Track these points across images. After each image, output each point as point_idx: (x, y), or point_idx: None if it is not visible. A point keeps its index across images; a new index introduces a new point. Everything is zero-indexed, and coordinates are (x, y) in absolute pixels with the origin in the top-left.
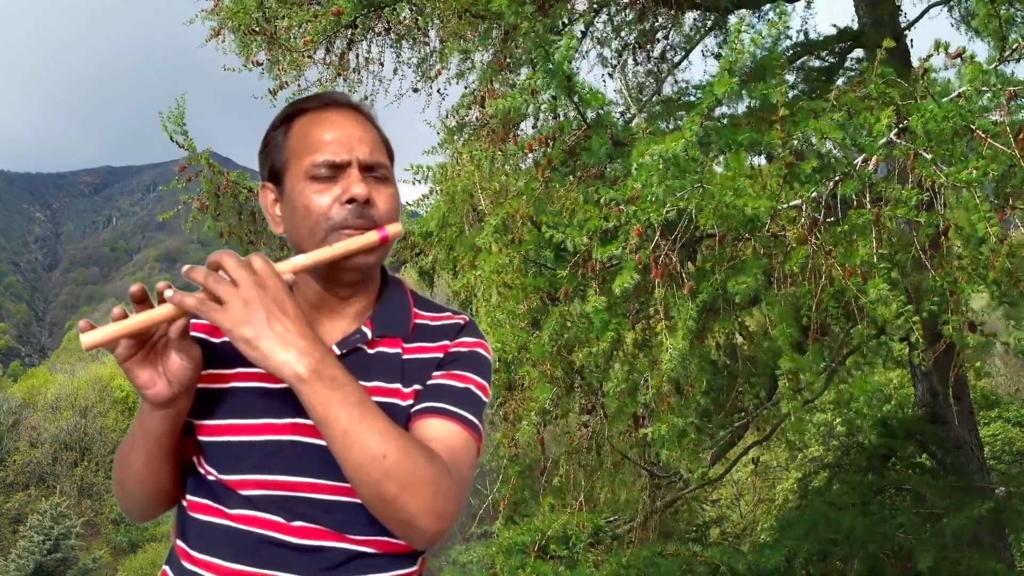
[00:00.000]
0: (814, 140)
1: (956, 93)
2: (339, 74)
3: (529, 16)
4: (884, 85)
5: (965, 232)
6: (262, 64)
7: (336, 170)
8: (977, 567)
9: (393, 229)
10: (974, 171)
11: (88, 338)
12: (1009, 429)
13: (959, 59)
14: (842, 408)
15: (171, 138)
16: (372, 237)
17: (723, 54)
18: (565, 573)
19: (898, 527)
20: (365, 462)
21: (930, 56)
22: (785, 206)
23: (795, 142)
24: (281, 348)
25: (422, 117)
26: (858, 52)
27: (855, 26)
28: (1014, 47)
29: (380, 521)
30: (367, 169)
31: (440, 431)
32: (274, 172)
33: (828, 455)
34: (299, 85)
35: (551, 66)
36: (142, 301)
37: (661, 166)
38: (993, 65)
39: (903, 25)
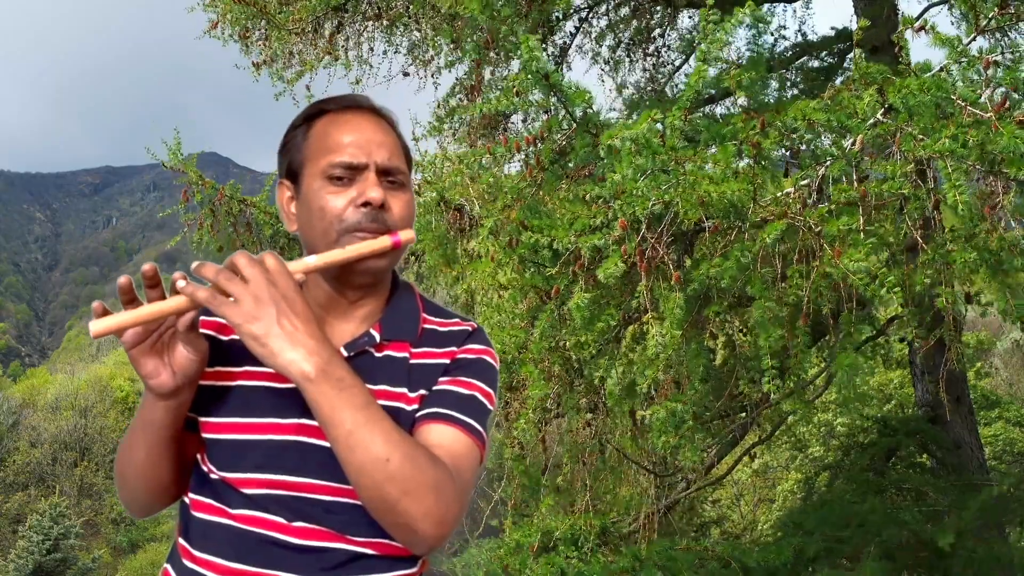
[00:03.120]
0: (798, 124)
1: (938, 67)
2: (327, 53)
3: (507, 19)
4: (867, 66)
5: (951, 203)
6: (248, 36)
7: (353, 172)
8: (992, 552)
9: (406, 235)
10: (947, 141)
11: (96, 326)
12: (1010, 429)
13: (923, 31)
14: (842, 400)
15: (164, 165)
16: (385, 242)
17: (699, 46)
18: (578, 565)
19: (901, 523)
20: (368, 464)
21: (902, 31)
22: (779, 194)
23: (781, 133)
24: (289, 346)
25: (412, 103)
26: (856, 52)
27: (853, 27)
28: (990, 15)
29: (381, 525)
30: (384, 173)
31: (444, 437)
32: (291, 170)
33: (828, 455)
34: (285, 62)
35: (530, 67)
36: (154, 285)
37: (632, 149)
38: (971, 37)
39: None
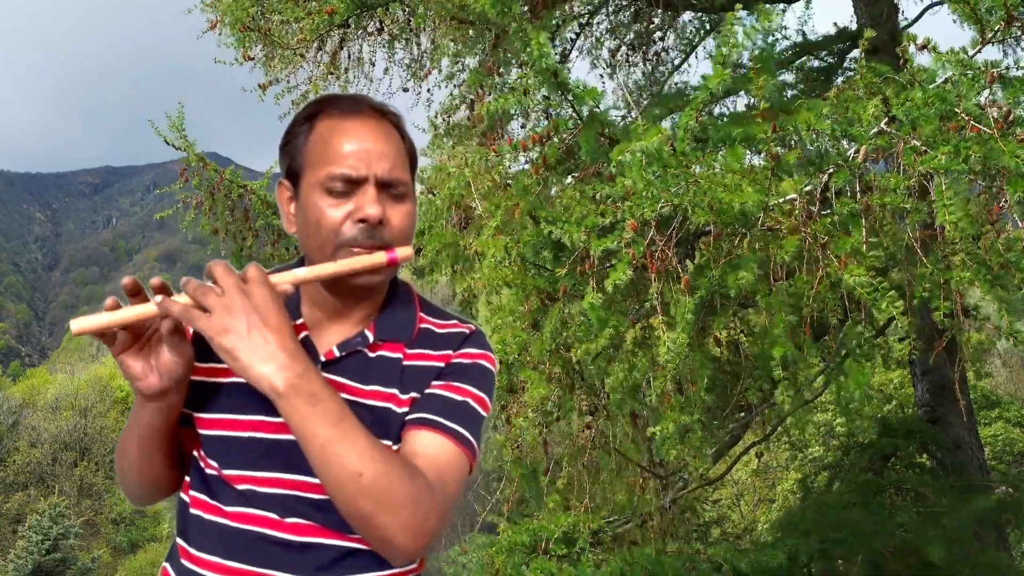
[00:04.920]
0: (803, 134)
1: (942, 79)
2: (330, 72)
3: (517, 17)
4: (872, 76)
5: (950, 219)
6: (254, 59)
7: (352, 185)
8: (984, 560)
9: (403, 253)
10: (943, 158)
11: (77, 324)
12: (1010, 429)
13: (924, 49)
14: (842, 407)
15: (166, 141)
16: (380, 258)
17: (717, 47)
18: (568, 570)
19: (899, 526)
20: (342, 479)
21: (907, 46)
22: (781, 200)
23: (790, 137)
24: (259, 360)
25: (411, 118)
26: (857, 52)
27: (853, 26)
28: (996, 29)
29: (361, 536)
30: (384, 186)
31: (429, 445)
32: (291, 171)
33: (828, 455)
34: (289, 82)
35: (539, 64)
36: (136, 294)
37: (643, 162)
38: (976, 49)
39: (903, 24)
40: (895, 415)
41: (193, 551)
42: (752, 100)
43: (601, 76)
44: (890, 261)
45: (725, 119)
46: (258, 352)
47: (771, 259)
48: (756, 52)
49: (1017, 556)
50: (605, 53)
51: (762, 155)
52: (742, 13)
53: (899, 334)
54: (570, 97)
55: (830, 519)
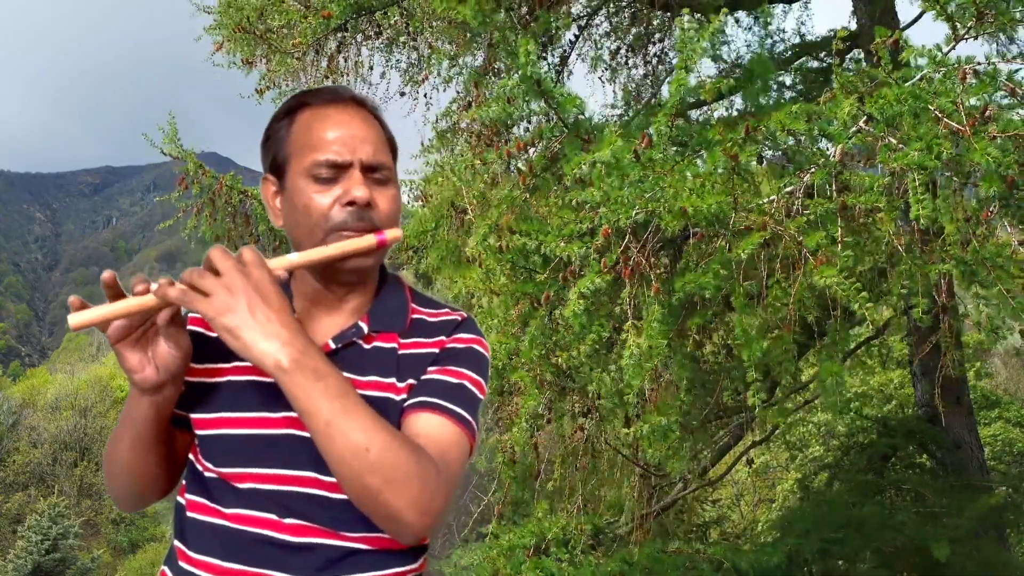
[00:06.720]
0: (777, 136)
1: (918, 77)
2: (328, 76)
3: (500, 25)
4: (846, 76)
5: (913, 216)
6: (252, 63)
7: (338, 170)
8: (989, 558)
9: (392, 234)
10: (916, 154)
11: (75, 319)
12: (1010, 429)
13: (896, 44)
14: (831, 410)
15: (162, 151)
16: (370, 240)
17: (679, 53)
18: (568, 569)
19: (899, 526)
20: (348, 455)
21: (882, 43)
22: (762, 201)
23: (765, 139)
24: (263, 337)
25: (408, 121)
26: (856, 52)
27: (853, 26)
28: (968, 26)
29: (366, 515)
30: (369, 170)
31: (430, 426)
32: (276, 165)
33: (828, 455)
34: (288, 85)
35: (523, 72)
36: (116, 296)
37: (602, 172)
38: (950, 47)
39: (903, 25)
40: (895, 415)
41: (191, 553)
42: (746, 105)
43: (600, 78)
44: (891, 260)
45: (709, 125)
46: (261, 330)
47: (741, 260)
48: (752, 56)
49: (1018, 555)
50: (605, 54)
51: (757, 162)
52: (739, 14)
53: (898, 335)
54: (554, 104)
55: (831, 518)
